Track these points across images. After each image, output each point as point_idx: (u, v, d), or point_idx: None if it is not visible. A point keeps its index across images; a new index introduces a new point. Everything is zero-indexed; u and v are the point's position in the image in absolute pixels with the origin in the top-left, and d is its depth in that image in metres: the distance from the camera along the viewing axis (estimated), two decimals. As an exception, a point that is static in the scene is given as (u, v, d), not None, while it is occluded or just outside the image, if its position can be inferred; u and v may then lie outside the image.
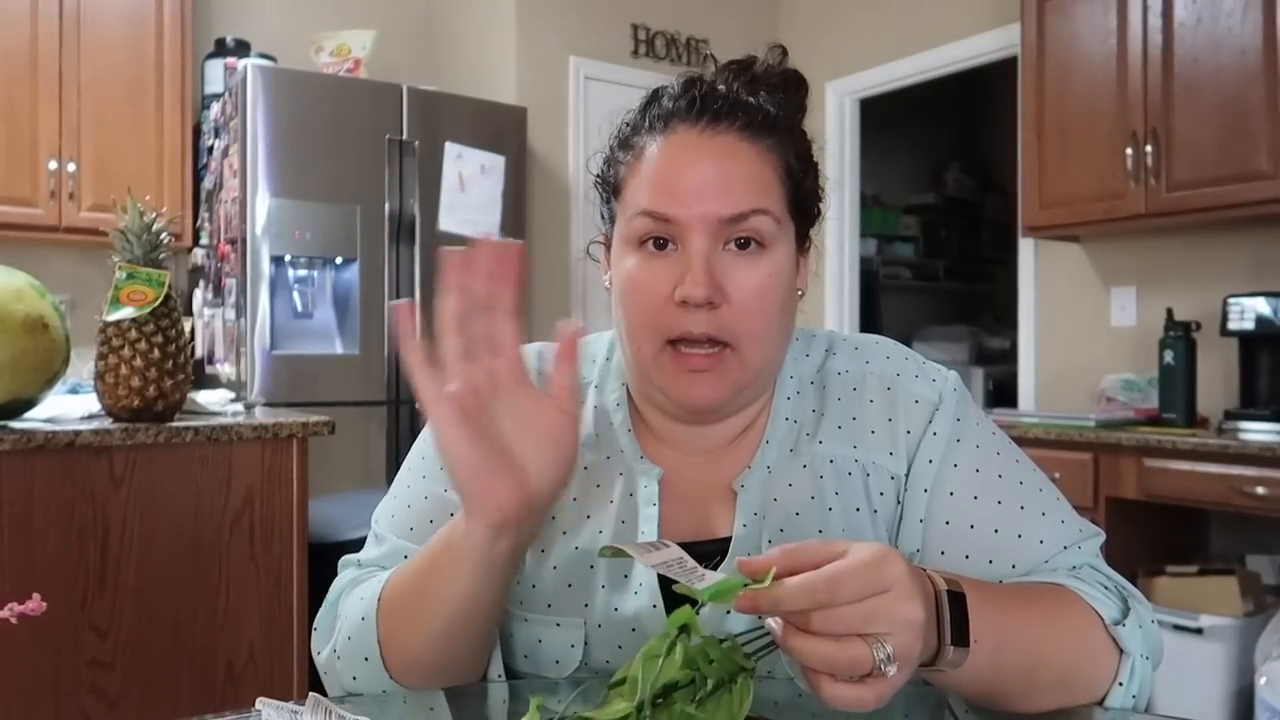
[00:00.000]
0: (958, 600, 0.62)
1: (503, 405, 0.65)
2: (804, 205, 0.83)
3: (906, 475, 0.82)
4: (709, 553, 0.77)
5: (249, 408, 2.40)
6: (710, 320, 0.76)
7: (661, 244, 0.77)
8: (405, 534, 0.84)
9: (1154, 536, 2.71)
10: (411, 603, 0.73)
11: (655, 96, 0.83)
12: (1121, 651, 0.73)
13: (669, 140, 0.79)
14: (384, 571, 0.81)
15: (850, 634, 0.56)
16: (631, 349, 0.81)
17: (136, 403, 1.66)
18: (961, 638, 0.62)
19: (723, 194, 0.76)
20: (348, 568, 0.86)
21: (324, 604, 0.83)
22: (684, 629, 0.57)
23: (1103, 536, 0.83)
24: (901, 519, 0.82)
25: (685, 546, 0.61)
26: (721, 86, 0.80)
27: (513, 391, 0.65)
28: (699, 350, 0.77)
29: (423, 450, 0.89)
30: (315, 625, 0.83)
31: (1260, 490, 2.29)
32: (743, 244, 0.77)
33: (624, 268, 0.80)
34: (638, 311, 0.78)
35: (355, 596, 0.79)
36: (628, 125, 0.83)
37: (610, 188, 0.84)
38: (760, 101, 0.80)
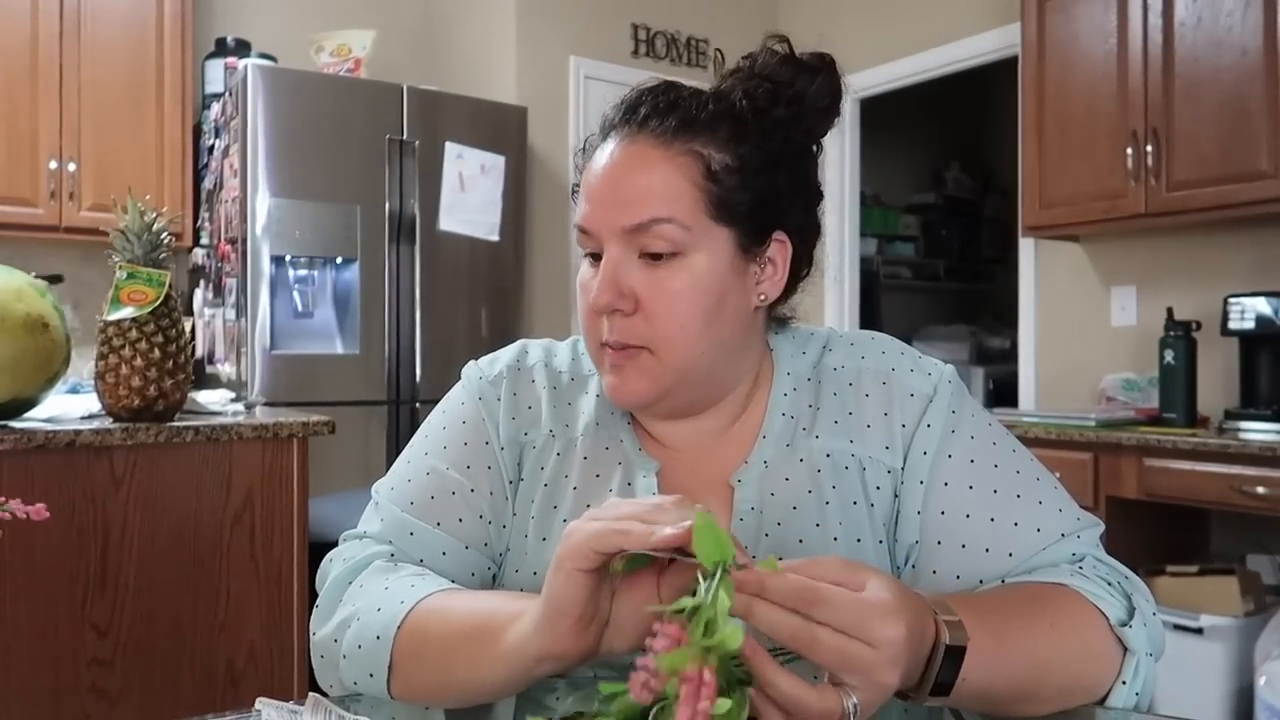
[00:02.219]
0: (955, 653, 0.63)
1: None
2: (736, 209, 0.78)
3: (903, 468, 0.82)
4: None
5: (249, 407, 2.39)
6: (623, 326, 0.78)
7: (597, 257, 0.80)
8: (406, 507, 0.84)
9: (1154, 536, 2.70)
10: (435, 659, 0.72)
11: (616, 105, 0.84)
12: (1126, 650, 0.73)
13: (601, 150, 0.81)
14: (403, 570, 0.80)
15: (826, 678, 0.56)
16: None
17: (137, 402, 1.66)
18: (945, 688, 0.63)
19: (627, 204, 0.77)
20: (349, 540, 0.86)
21: (328, 580, 0.82)
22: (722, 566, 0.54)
23: (1101, 526, 0.83)
24: (899, 512, 0.82)
25: None
26: (666, 93, 0.80)
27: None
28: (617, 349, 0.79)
29: (428, 430, 0.90)
30: (317, 604, 0.82)
31: (1260, 490, 2.29)
32: (655, 253, 0.77)
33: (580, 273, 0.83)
34: (581, 316, 0.82)
35: (371, 599, 0.77)
36: (593, 133, 0.85)
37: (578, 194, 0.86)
38: (696, 103, 0.79)
